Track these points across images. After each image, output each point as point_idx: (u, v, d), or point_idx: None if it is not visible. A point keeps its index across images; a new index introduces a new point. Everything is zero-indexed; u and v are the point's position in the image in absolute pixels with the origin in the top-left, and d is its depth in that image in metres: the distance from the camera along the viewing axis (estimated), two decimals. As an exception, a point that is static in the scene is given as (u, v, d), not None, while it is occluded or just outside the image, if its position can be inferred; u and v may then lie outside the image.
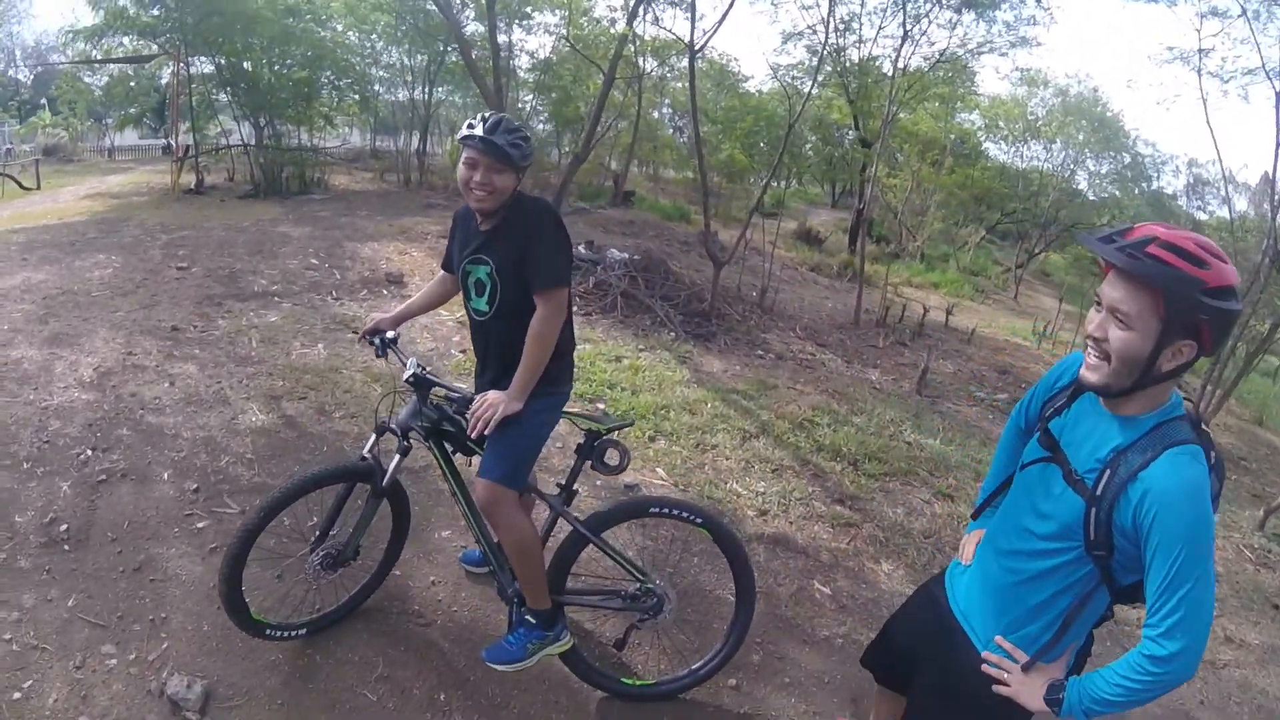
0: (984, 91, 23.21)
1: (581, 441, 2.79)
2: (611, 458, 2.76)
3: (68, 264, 8.15)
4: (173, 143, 17.92)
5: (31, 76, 44.95)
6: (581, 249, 10.71)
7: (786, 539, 4.48)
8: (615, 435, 2.81)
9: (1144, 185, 23.74)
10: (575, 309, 8.68)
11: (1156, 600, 1.59)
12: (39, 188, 16.94)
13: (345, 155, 23.90)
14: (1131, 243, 1.55)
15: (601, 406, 5.86)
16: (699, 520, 2.84)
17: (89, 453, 4.21)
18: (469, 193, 2.58)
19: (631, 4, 12.87)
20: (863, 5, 14.11)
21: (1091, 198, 24.83)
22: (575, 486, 2.90)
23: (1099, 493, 1.66)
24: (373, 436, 2.86)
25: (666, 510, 2.82)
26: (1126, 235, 1.58)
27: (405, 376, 2.77)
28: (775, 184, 18.91)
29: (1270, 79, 8.21)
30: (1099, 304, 1.65)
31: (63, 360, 5.41)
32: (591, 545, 2.82)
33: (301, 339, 6.35)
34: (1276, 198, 8.35)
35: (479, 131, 2.50)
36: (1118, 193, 24.25)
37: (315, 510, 2.96)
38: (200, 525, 3.72)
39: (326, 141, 22.15)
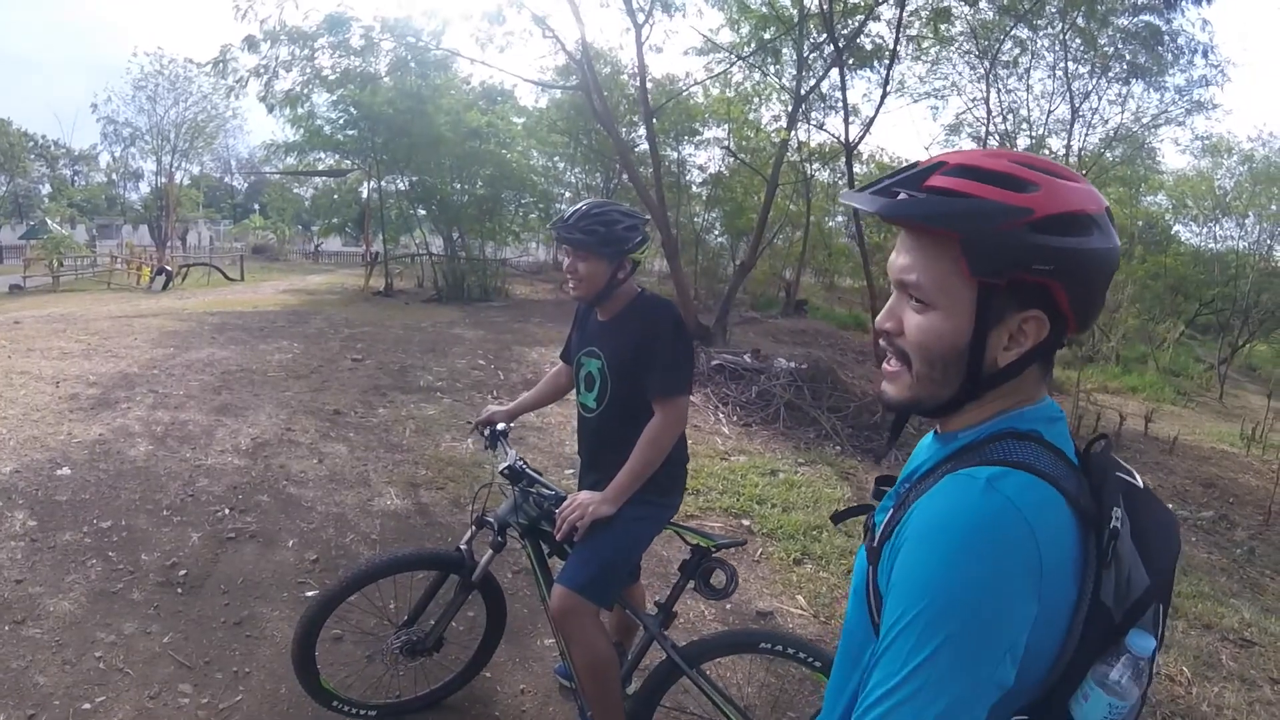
0: (1167, 168, 21.44)
1: (687, 558, 2.45)
2: (718, 579, 2.42)
3: (252, 346, 8.95)
4: (373, 251, 19.49)
5: (245, 184, 51.01)
6: (747, 358, 10.43)
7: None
8: (724, 555, 2.44)
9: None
10: (735, 418, 8.34)
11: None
12: (242, 279, 18.79)
13: (528, 267, 25.16)
14: (905, 177, 0.98)
15: (747, 523, 5.38)
16: (818, 664, 2.36)
17: (226, 511, 4.49)
18: (566, 282, 2.52)
19: (790, 110, 12.85)
20: (1028, 89, 13.46)
21: (1293, 275, 21.86)
22: (676, 609, 2.54)
23: (876, 544, 1.03)
24: (471, 529, 2.72)
25: (780, 648, 2.37)
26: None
27: (500, 468, 2.63)
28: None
29: None
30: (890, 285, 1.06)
31: (225, 427, 5.88)
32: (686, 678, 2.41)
33: (454, 432, 6.41)
34: None
35: (558, 222, 2.48)
36: (1322, 265, 21.17)
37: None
38: (309, 594, 3.75)
39: (510, 254, 23.36)
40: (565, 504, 2.40)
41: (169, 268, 21.20)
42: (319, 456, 5.51)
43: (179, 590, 3.65)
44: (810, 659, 2.36)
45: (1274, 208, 20.97)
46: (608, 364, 2.49)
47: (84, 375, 6.97)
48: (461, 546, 2.70)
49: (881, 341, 1.06)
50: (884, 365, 1.06)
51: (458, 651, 3.05)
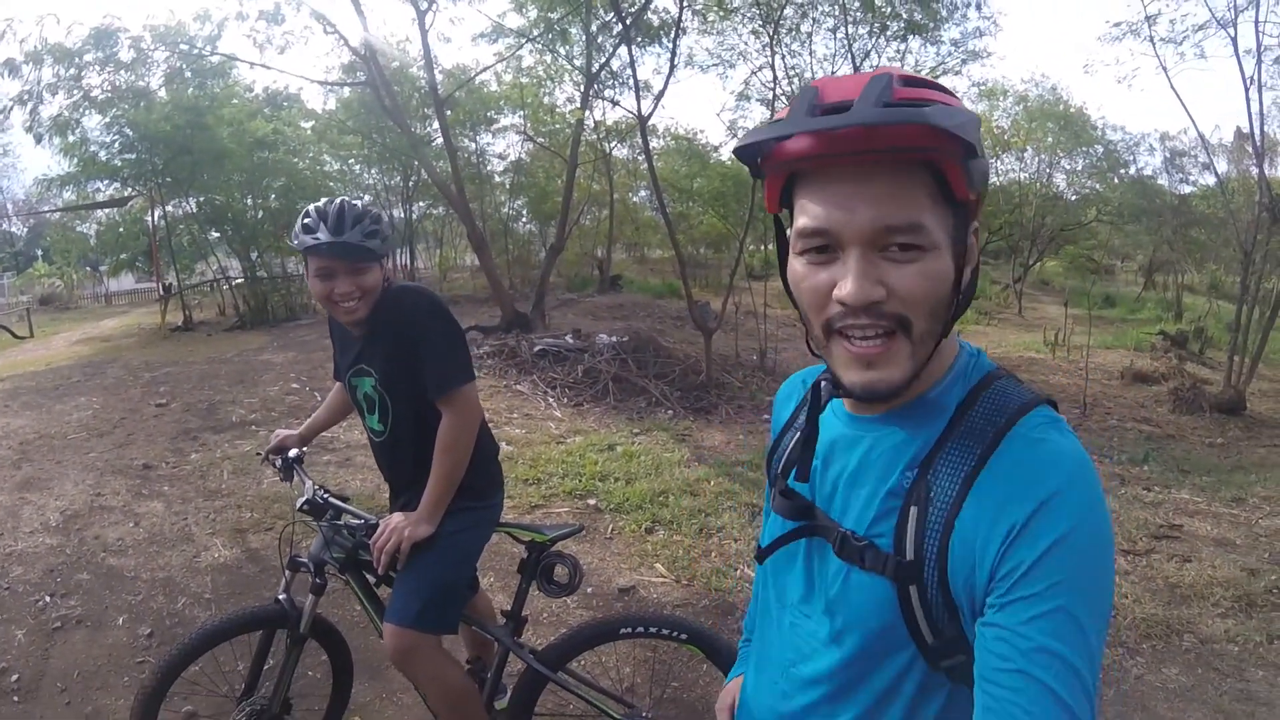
0: (946, 116, 23.32)
1: (524, 558, 2.36)
2: (561, 575, 2.34)
3: (48, 408, 8.17)
4: (165, 284, 18.12)
5: (25, 229, 45.89)
6: (569, 339, 10.50)
7: (809, 620, 3.99)
8: (562, 547, 2.39)
9: (1122, 172, 23.40)
10: (565, 399, 8.37)
11: None
12: (32, 336, 16.98)
13: (335, 277, 24.12)
14: (872, 94, 0.76)
15: (593, 503, 5.44)
16: (683, 636, 2.37)
17: (47, 599, 4.10)
18: (334, 308, 2.18)
19: (583, 90, 12.97)
20: (811, 53, 14.14)
21: (1073, 197, 24.89)
22: (527, 612, 2.45)
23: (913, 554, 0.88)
24: (286, 574, 2.46)
25: (642, 628, 2.35)
26: (825, 98, 0.79)
27: (299, 504, 2.35)
28: (761, 246, 18.73)
29: (1222, 27, 8.42)
30: (822, 251, 0.83)
31: (31, 505, 5.36)
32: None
33: (274, 466, 6.03)
34: (1259, 144, 8.30)
35: (324, 237, 2.09)
36: (1098, 186, 24.06)
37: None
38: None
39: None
40: (378, 532, 2.21)
41: (-51, 336, 18.82)
42: (135, 519, 5.10)
43: (15, 699, 3.29)
44: (673, 633, 2.35)
45: (1049, 139, 23.13)
46: (380, 381, 2.26)
47: None
48: (280, 597, 2.43)
49: (859, 320, 0.82)
50: (855, 352, 0.84)
51: (316, 702, 2.84)
